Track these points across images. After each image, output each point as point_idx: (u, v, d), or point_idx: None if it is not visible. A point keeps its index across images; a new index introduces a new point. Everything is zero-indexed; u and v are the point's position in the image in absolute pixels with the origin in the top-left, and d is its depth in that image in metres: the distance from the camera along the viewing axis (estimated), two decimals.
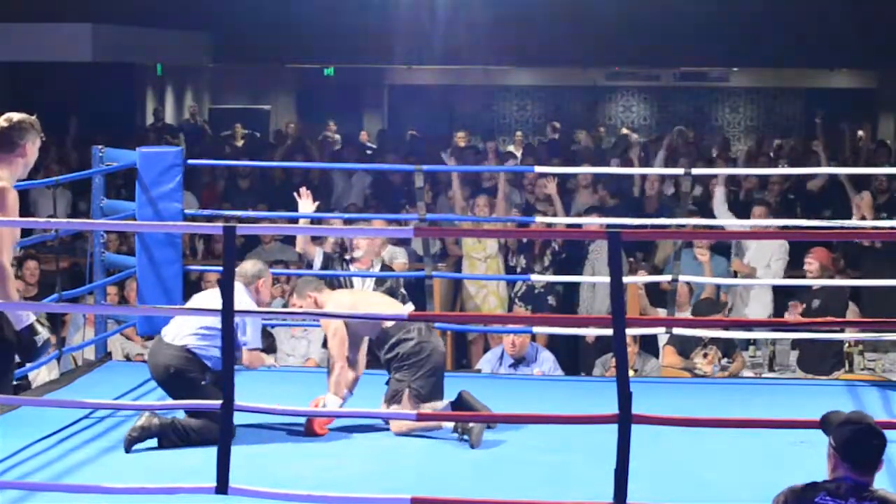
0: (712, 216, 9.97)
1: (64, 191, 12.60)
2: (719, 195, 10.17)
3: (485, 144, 14.41)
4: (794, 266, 9.83)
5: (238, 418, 5.32)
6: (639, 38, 17.11)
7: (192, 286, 8.79)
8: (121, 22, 15.48)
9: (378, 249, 8.83)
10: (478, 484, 5.61)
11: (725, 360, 8.77)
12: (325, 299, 6.54)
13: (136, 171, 7.79)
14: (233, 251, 4.81)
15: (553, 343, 9.30)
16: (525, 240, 10.19)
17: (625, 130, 19.04)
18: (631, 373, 5.82)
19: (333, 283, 7.50)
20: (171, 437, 6.04)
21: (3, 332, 5.29)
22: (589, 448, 5.69)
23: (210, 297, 6.35)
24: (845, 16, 16.11)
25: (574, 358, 9.70)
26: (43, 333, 5.36)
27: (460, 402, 6.44)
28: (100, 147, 7.96)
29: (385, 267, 8.32)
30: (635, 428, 4.57)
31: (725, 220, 9.78)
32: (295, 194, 7.93)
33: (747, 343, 9.34)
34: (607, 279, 5.46)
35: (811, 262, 8.84)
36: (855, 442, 3.87)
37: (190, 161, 8.23)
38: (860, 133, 16.48)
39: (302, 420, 6.36)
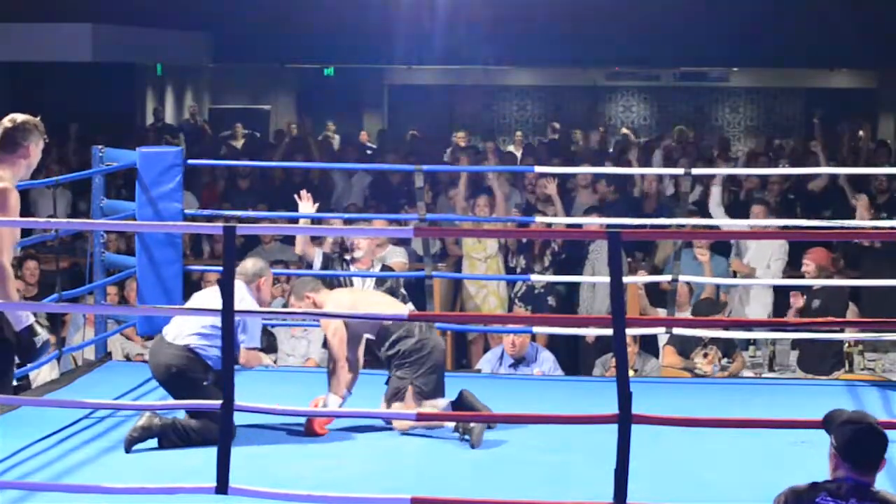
0: (711, 216, 9.97)
1: (64, 191, 12.60)
2: (715, 195, 10.16)
3: (484, 144, 14.41)
4: (794, 266, 9.83)
5: (238, 418, 5.33)
6: (639, 38, 17.12)
7: (193, 286, 8.79)
8: (121, 22, 15.49)
9: (378, 250, 8.84)
10: (478, 484, 5.61)
11: (725, 360, 8.77)
12: (323, 299, 6.54)
13: (136, 171, 7.78)
14: (233, 251, 4.81)
15: (553, 343, 9.30)
16: (525, 240, 10.19)
17: (624, 130, 19.04)
18: (631, 373, 5.82)
19: (333, 283, 7.50)
20: (171, 437, 6.04)
21: (3, 333, 5.29)
22: (589, 448, 5.69)
23: (211, 296, 6.34)
24: (845, 16, 16.12)
25: (574, 358, 9.70)
26: (42, 334, 5.36)
27: (461, 402, 6.44)
28: (100, 147, 7.96)
29: (385, 267, 8.33)
30: (635, 428, 4.57)
31: (720, 220, 9.78)
32: (295, 196, 7.93)
33: (747, 343, 9.34)
34: (607, 279, 5.46)
35: (808, 264, 8.85)
36: (856, 442, 3.85)
37: (190, 161, 8.22)
38: (860, 133, 16.47)
39: (302, 420, 6.36)
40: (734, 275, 10.08)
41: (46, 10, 15.21)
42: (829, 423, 3.97)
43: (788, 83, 22.09)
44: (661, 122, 22.19)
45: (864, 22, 16.26)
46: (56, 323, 8.81)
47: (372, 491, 5.06)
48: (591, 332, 9.03)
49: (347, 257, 7.93)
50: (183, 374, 6.13)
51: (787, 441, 6.00)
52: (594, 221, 9.27)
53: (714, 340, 8.63)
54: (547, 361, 8.18)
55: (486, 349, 9.44)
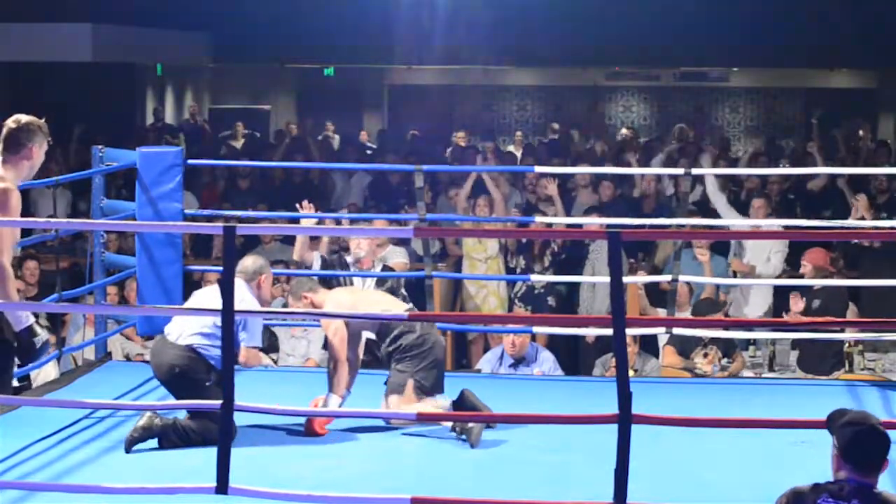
0: (712, 216, 9.96)
1: (64, 191, 12.60)
2: (711, 186, 10.14)
3: (482, 145, 14.40)
4: (794, 266, 9.83)
5: (238, 418, 5.33)
6: (639, 38, 17.11)
7: (193, 286, 8.79)
8: (121, 22, 15.48)
9: (378, 250, 8.84)
10: (478, 484, 5.61)
11: (725, 360, 8.77)
12: (322, 298, 6.54)
13: (136, 171, 7.78)
14: (233, 251, 4.81)
15: (553, 343, 9.31)
16: (525, 240, 10.20)
17: (624, 130, 19.04)
18: (631, 373, 5.82)
19: (332, 283, 7.50)
20: (171, 437, 6.03)
21: (3, 334, 5.29)
22: (589, 448, 5.69)
23: (211, 294, 6.32)
24: (845, 16, 16.12)
25: (574, 358, 9.70)
26: (42, 335, 5.36)
27: (462, 401, 6.44)
28: (100, 147, 7.95)
29: (386, 267, 8.33)
30: (635, 428, 4.57)
31: (725, 211, 9.77)
32: (298, 206, 7.93)
33: (747, 343, 9.34)
34: (607, 279, 5.46)
35: (805, 265, 8.87)
36: (858, 443, 3.83)
37: (190, 161, 8.22)
38: (860, 133, 16.48)
39: (302, 420, 6.36)
40: (734, 274, 10.08)
41: (46, 10, 15.21)
42: (831, 423, 3.94)
43: (788, 83, 22.08)
44: (661, 122, 22.18)
45: (864, 22, 16.26)
46: (56, 323, 8.81)
47: (372, 491, 5.06)
48: (591, 332, 9.03)
49: (349, 258, 7.93)
50: (186, 375, 6.13)
51: (787, 441, 6.00)
52: (594, 221, 9.27)
53: (714, 340, 8.63)
54: (547, 361, 8.18)
55: (486, 349, 9.44)
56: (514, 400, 6.95)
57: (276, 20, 17.09)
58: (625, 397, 4.54)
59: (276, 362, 8.98)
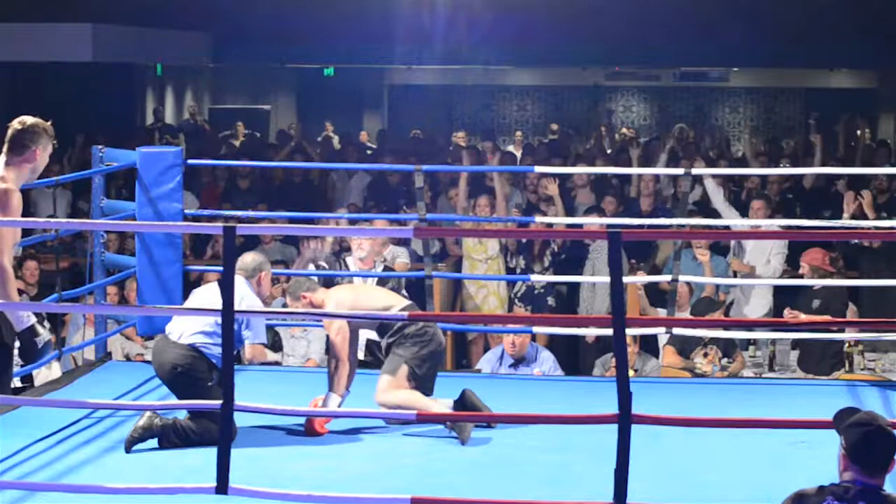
0: (712, 216, 9.97)
1: (64, 191, 12.60)
2: (710, 185, 10.15)
3: (482, 144, 14.40)
4: (794, 266, 9.83)
5: (238, 418, 5.33)
6: (639, 38, 17.12)
7: (193, 286, 8.80)
8: (121, 22, 15.48)
9: (380, 249, 8.85)
10: (477, 484, 5.61)
11: (725, 360, 8.77)
12: (321, 298, 6.54)
13: (136, 171, 7.78)
14: (233, 251, 4.81)
15: (553, 343, 9.31)
16: (524, 240, 10.20)
17: (624, 130, 19.05)
18: (631, 373, 5.82)
19: (330, 284, 7.50)
20: (171, 437, 6.03)
21: (2, 333, 5.29)
22: (589, 448, 5.69)
23: (212, 292, 6.31)
24: (845, 16, 16.12)
25: (574, 358, 9.71)
26: (44, 335, 5.36)
27: (463, 401, 6.45)
28: (100, 147, 7.95)
29: (387, 267, 8.33)
30: (635, 428, 4.57)
31: (724, 210, 9.78)
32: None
33: (747, 343, 9.34)
34: (607, 279, 5.45)
35: (803, 266, 8.87)
36: (865, 443, 3.78)
37: (190, 161, 8.22)
38: (858, 132, 16.49)
39: (302, 420, 6.36)
40: (734, 274, 10.08)
41: (46, 10, 15.20)
42: (838, 422, 3.91)
43: (788, 83, 22.10)
44: (661, 122, 22.20)
45: (864, 22, 16.26)
46: (56, 323, 8.82)
47: (372, 491, 5.06)
48: (591, 332, 9.03)
49: (349, 259, 7.93)
50: (188, 374, 6.12)
51: (787, 441, 6.00)
52: (594, 221, 9.27)
53: (714, 340, 8.63)
54: (547, 361, 8.18)
55: (486, 349, 9.44)
56: (514, 400, 6.95)
57: (276, 20, 17.09)
58: (625, 397, 4.54)
59: (280, 362, 8.99)
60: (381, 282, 7.76)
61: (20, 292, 8.42)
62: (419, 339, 6.43)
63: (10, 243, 5.25)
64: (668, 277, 8.31)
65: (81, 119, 15.14)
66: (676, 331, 8.35)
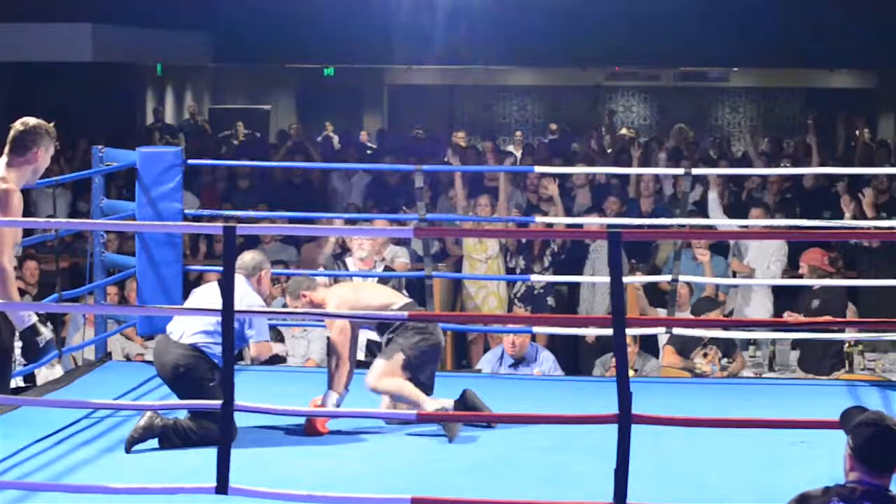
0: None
1: (64, 191, 12.61)
2: (713, 199, 10.17)
3: (483, 144, 14.39)
4: (794, 267, 9.83)
5: (238, 418, 5.33)
6: (639, 38, 17.12)
7: (192, 286, 8.80)
8: (121, 22, 15.50)
9: (380, 249, 8.85)
10: (478, 484, 5.60)
11: (725, 360, 8.77)
12: (322, 296, 6.54)
13: (136, 171, 7.78)
14: (233, 251, 4.81)
15: (553, 343, 9.31)
16: (524, 241, 10.20)
17: (624, 130, 19.05)
18: (631, 373, 5.82)
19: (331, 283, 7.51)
20: (172, 438, 6.02)
21: (1, 334, 5.30)
22: (589, 448, 5.69)
23: (212, 291, 6.30)
24: (845, 16, 16.13)
25: (574, 358, 9.71)
26: (46, 334, 5.36)
27: (464, 401, 6.45)
28: (100, 147, 7.95)
29: (387, 267, 8.32)
30: (635, 428, 4.57)
31: (718, 220, 9.78)
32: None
33: (747, 343, 9.34)
34: (607, 279, 5.45)
35: (801, 266, 8.87)
36: (873, 443, 3.75)
37: (190, 161, 8.22)
38: (857, 133, 16.47)
39: (302, 420, 6.36)
40: (734, 275, 10.08)
41: (46, 10, 15.21)
42: (846, 422, 3.89)
43: (788, 83, 22.10)
44: (661, 122, 22.20)
45: (864, 22, 16.27)
46: (56, 323, 8.82)
47: (372, 491, 5.06)
48: (591, 332, 9.04)
49: (349, 260, 7.93)
50: (190, 374, 6.11)
51: (787, 441, 6.00)
52: (594, 221, 9.27)
53: (714, 340, 8.63)
54: (547, 361, 8.18)
55: (486, 349, 9.44)
56: (514, 400, 6.95)
57: (276, 20, 17.11)
58: (625, 397, 4.54)
59: (286, 354, 9.00)
60: (382, 282, 7.76)
61: (22, 293, 8.46)
62: (419, 330, 6.44)
63: (11, 243, 5.25)
64: (668, 277, 8.31)
65: (81, 119, 15.15)
66: (676, 331, 8.34)
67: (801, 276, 9.04)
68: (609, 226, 8.80)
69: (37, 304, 7.04)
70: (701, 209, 10.53)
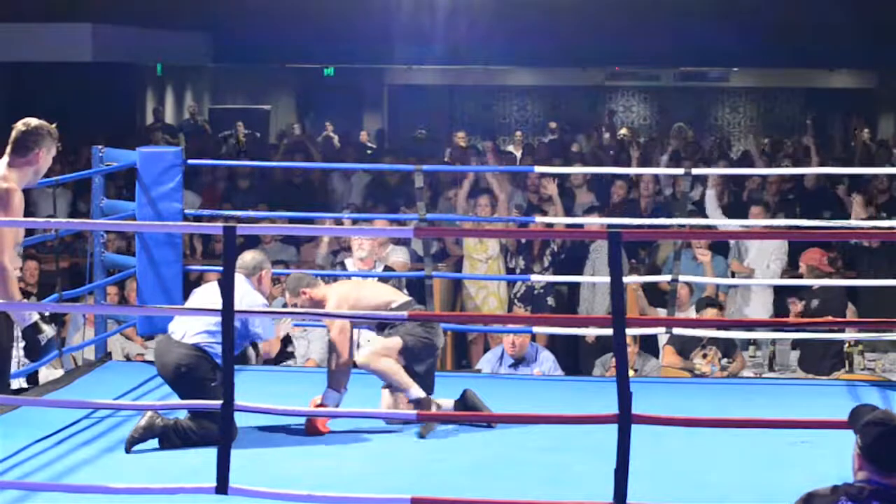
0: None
1: (64, 191, 12.60)
2: (711, 197, 10.18)
3: (483, 144, 14.40)
4: (794, 267, 9.83)
5: (238, 418, 5.33)
6: (639, 38, 17.14)
7: (192, 286, 8.80)
8: (121, 22, 15.50)
9: (380, 249, 8.85)
10: (478, 484, 5.60)
11: (725, 360, 8.77)
12: (322, 293, 6.54)
13: (136, 171, 7.78)
14: (233, 251, 4.81)
15: (553, 343, 9.30)
16: (523, 241, 10.19)
17: (624, 130, 19.06)
18: (631, 373, 5.82)
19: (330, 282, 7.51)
20: (172, 438, 6.02)
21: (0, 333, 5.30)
22: (589, 448, 5.69)
23: (214, 292, 6.30)
24: (845, 16, 16.14)
25: (574, 358, 9.71)
26: (48, 332, 5.36)
27: (464, 400, 6.45)
28: (100, 147, 7.96)
29: (387, 267, 8.32)
30: (635, 428, 4.57)
31: (717, 220, 9.79)
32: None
33: (747, 343, 9.34)
34: (607, 279, 5.45)
35: (801, 265, 8.87)
36: (881, 443, 3.75)
37: (190, 161, 8.22)
38: (857, 132, 16.49)
39: (302, 420, 6.36)
40: (733, 275, 10.08)
41: (46, 10, 15.22)
42: (854, 421, 3.88)
43: (788, 83, 22.11)
44: (661, 122, 22.21)
45: (864, 22, 16.28)
46: (56, 323, 8.81)
47: (372, 491, 5.06)
48: (591, 332, 9.04)
49: (348, 260, 7.93)
50: (192, 374, 6.10)
51: (787, 441, 6.00)
52: (594, 221, 9.27)
53: (714, 340, 8.62)
54: (547, 361, 8.18)
55: (486, 349, 9.44)
56: (514, 400, 6.95)
57: (276, 20, 17.11)
58: (625, 397, 4.54)
59: (293, 354, 9.00)
60: (382, 281, 7.76)
61: (25, 293, 8.47)
62: (421, 324, 6.45)
63: (12, 242, 5.25)
64: (668, 277, 8.31)
65: (81, 119, 15.15)
66: (676, 331, 8.34)
67: (800, 276, 9.04)
68: (609, 226, 8.79)
69: (37, 304, 7.04)
70: (701, 209, 10.54)
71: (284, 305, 8.67)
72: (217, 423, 5.02)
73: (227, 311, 4.75)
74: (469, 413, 6.41)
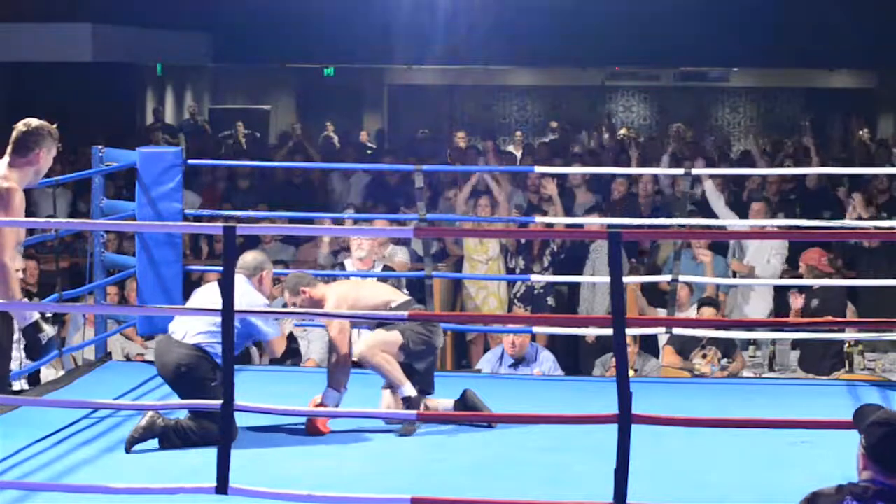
0: (712, 216, 9.97)
1: (64, 191, 12.60)
2: (711, 187, 10.16)
3: (483, 144, 14.39)
4: (794, 267, 9.83)
5: (238, 418, 5.33)
6: (639, 38, 17.14)
7: (192, 286, 8.80)
8: (121, 22, 15.50)
9: (380, 249, 8.85)
10: (478, 484, 5.60)
11: (725, 360, 8.77)
12: (322, 293, 6.54)
13: (136, 171, 7.78)
14: (233, 251, 4.81)
15: (553, 343, 9.30)
16: (523, 241, 10.19)
17: (624, 130, 19.05)
18: (631, 373, 5.82)
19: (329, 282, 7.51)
20: (172, 438, 6.02)
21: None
22: (589, 448, 5.69)
23: (214, 292, 6.30)
24: (845, 16, 16.14)
25: (574, 358, 9.71)
26: (48, 331, 5.36)
27: (464, 400, 6.45)
28: (100, 147, 7.96)
29: (387, 267, 8.32)
30: (635, 428, 4.57)
31: (724, 214, 9.78)
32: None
33: (747, 343, 9.33)
34: (607, 279, 5.45)
35: (801, 265, 8.87)
36: (886, 443, 3.75)
37: (190, 161, 8.22)
38: (858, 133, 16.49)
39: (302, 420, 6.36)
40: (733, 274, 10.08)
41: (46, 10, 15.22)
42: (859, 421, 3.88)
43: (788, 83, 22.11)
44: (661, 122, 22.20)
45: (864, 22, 16.28)
46: (56, 323, 8.81)
47: (372, 491, 5.06)
48: (591, 332, 9.04)
49: (347, 261, 7.92)
50: (192, 374, 6.10)
51: (787, 441, 6.00)
52: (594, 221, 9.27)
53: (714, 340, 8.62)
54: (547, 361, 8.18)
55: (486, 349, 9.44)
56: (514, 400, 6.95)
57: (276, 20, 17.12)
58: (625, 397, 4.55)
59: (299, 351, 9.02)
60: (382, 281, 7.76)
61: (30, 295, 8.47)
62: (422, 324, 6.45)
63: (13, 242, 5.25)
64: (668, 277, 8.31)
65: (81, 119, 15.14)
66: (676, 331, 8.34)
67: (800, 276, 9.03)
68: (609, 226, 8.80)
69: (37, 304, 7.04)
70: (701, 209, 10.54)
71: (284, 305, 8.68)
72: (217, 423, 5.02)
73: (227, 311, 4.76)
74: (469, 413, 6.41)
